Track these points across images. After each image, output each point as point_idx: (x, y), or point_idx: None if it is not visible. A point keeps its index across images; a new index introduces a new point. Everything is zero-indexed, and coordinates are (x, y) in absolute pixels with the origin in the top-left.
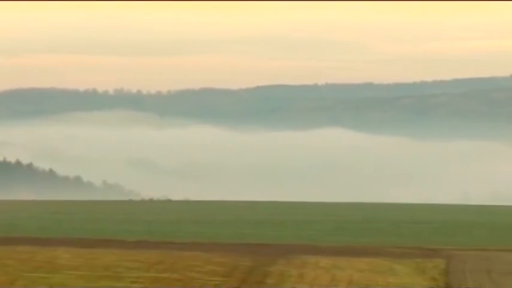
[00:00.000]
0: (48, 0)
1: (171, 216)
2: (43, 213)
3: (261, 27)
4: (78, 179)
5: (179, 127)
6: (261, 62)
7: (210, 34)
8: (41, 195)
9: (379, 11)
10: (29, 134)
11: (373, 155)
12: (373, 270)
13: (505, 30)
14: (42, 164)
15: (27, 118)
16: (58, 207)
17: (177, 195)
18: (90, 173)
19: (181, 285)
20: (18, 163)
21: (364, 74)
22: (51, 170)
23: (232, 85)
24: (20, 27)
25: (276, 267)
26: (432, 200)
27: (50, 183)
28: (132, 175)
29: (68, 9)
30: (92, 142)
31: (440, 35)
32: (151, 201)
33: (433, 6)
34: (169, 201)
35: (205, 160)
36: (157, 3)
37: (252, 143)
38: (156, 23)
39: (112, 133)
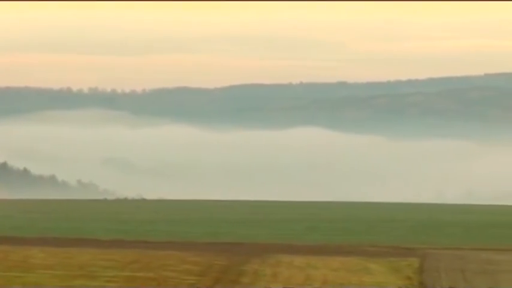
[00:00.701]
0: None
1: (145, 215)
2: (18, 212)
3: (236, 27)
4: (52, 178)
5: (154, 126)
6: (235, 61)
7: (185, 33)
8: (16, 195)
9: (353, 11)
10: (3, 133)
11: (347, 154)
12: (347, 269)
13: (479, 30)
14: (17, 163)
15: (1, 117)
16: (33, 207)
17: (151, 195)
18: (64, 172)
19: (156, 285)
20: None
21: (338, 73)
22: (25, 169)
23: (207, 84)
24: None
25: (251, 266)
26: (407, 199)
27: (24, 182)
28: (106, 174)
29: (42, 8)
30: (67, 141)
31: (414, 35)
32: (126, 200)
33: (407, 5)
34: (144, 200)
35: (179, 159)
36: (132, 2)
37: (226, 142)
38: (131, 22)
39: (86, 132)
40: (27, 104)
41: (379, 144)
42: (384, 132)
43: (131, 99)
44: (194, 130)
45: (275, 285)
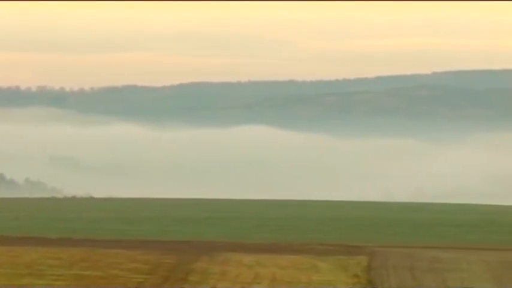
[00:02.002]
0: None
1: (94, 213)
2: None
3: (184, 25)
4: (0, 176)
5: (102, 124)
6: (184, 59)
7: (132, 31)
8: None
9: (301, 9)
10: None
11: (296, 152)
12: (296, 268)
13: (427, 28)
14: None
15: None
16: None
17: (100, 193)
18: (12, 170)
19: (104, 283)
20: None
21: (287, 72)
22: None
23: (155, 82)
24: None
25: (199, 265)
26: (355, 198)
27: None
28: (55, 172)
29: None
30: (15, 139)
31: (363, 33)
32: (74, 198)
33: (355, 4)
34: (92, 198)
35: (128, 157)
36: (80, 2)
37: (175, 140)
38: (80, 20)
39: (35, 130)
40: None
41: (328, 142)
42: (332, 131)
43: (79, 97)
44: (143, 128)
45: (223, 284)
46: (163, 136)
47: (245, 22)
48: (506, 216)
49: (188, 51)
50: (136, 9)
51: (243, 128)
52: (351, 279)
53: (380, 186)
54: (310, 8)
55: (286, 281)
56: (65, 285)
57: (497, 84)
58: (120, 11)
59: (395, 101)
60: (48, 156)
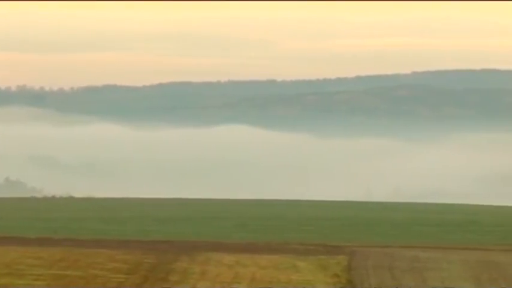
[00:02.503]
0: None
1: (73, 213)
2: None
3: (164, 25)
4: None
5: (82, 124)
6: (163, 59)
7: (112, 31)
8: None
9: (281, 8)
10: None
11: (276, 151)
12: (276, 267)
13: (407, 28)
14: None
15: None
16: None
17: (80, 193)
18: None
19: (84, 283)
20: None
21: (267, 71)
22: None
23: (135, 82)
24: None
25: (179, 265)
26: (335, 197)
27: None
28: (34, 172)
29: None
30: None
31: (342, 33)
32: (54, 198)
33: (335, 3)
34: (72, 198)
35: (108, 157)
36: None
37: (155, 140)
38: (60, 20)
39: (14, 130)
40: None
41: (308, 142)
42: (312, 130)
43: (59, 97)
44: (123, 128)
45: (203, 283)
46: (143, 136)
47: (225, 22)
48: (486, 216)
49: (168, 50)
50: (117, 9)
51: (224, 128)
52: (331, 278)
53: (360, 185)
54: (291, 8)
55: (266, 280)
56: (45, 285)
57: (477, 84)
58: (100, 10)
59: (375, 101)
60: (27, 155)
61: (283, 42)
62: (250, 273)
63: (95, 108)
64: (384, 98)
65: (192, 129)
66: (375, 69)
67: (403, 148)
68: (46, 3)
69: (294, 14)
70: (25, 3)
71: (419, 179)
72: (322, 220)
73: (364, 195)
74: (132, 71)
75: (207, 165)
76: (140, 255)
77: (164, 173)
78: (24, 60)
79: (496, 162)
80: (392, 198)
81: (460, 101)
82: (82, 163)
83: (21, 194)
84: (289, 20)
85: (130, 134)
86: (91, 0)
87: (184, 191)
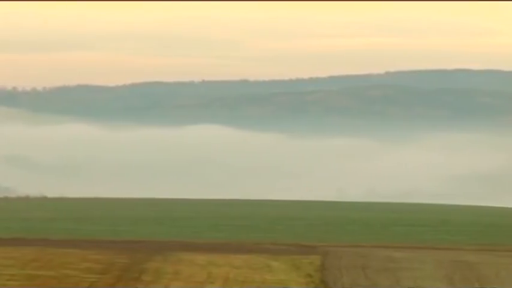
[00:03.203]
0: None
1: (47, 213)
2: None
3: (137, 25)
4: None
5: (55, 124)
6: (136, 58)
7: (86, 31)
8: None
9: (253, 8)
10: None
11: (249, 151)
12: (249, 267)
13: (379, 28)
14: None
15: None
16: None
17: (53, 193)
18: None
19: (57, 283)
20: None
21: (240, 71)
22: None
23: (108, 82)
24: None
25: (152, 264)
26: (308, 197)
27: None
28: (7, 172)
29: None
30: None
31: (315, 32)
32: (27, 198)
33: (308, 3)
34: (46, 198)
35: (81, 157)
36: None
37: (128, 140)
38: (32, 20)
39: None
40: None
41: (281, 141)
42: (285, 130)
43: (32, 97)
44: (96, 128)
45: (177, 283)
46: (116, 135)
47: (198, 22)
48: (459, 216)
49: (141, 50)
50: (90, 8)
51: (196, 128)
52: (304, 278)
53: (332, 185)
54: (263, 8)
55: (239, 280)
56: (18, 285)
57: (450, 84)
58: (73, 10)
59: (348, 101)
60: (0, 155)
61: (257, 42)
62: (223, 273)
63: (67, 108)
64: (357, 98)
65: (165, 129)
66: (348, 69)
67: (376, 148)
68: (19, 3)
69: (266, 13)
70: None
71: (392, 178)
72: (295, 220)
73: (337, 195)
74: (105, 71)
75: (179, 165)
76: (113, 255)
77: (137, 172)
78: None
79: (469, 162)
80: (365, 198)
81: (432, 101)
82: (55, 163)
83: None
84: (262, 20)
85: (103, 134)
86: (64, 0)
87: (157, 191)
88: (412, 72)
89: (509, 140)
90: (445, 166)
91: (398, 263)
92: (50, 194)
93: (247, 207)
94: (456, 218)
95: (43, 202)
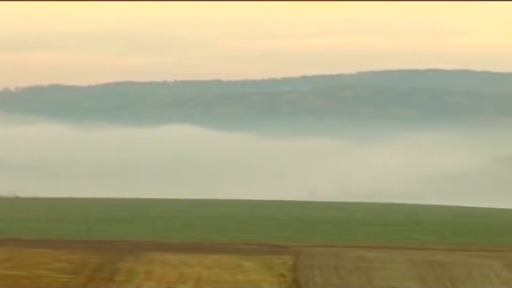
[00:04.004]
0: None
1: (19, 213)
2: None
3: (109, 24)
4: None
5: (27, 124)
6: (109, 58)
7: (58, 31)
8: None
9: (227, 8)
10: None
11: (221, 151)
12: (221, 267)
13: (352, 28)
14: None
15: None
16: None
17: (25, 193)
18: None
19: (29, 283)
20: None
21: (212, 71)
22: None
23: (80, 82)
24: None
25: (124, 264)
26: (280, 197)
27: None
28: None
29: None
30: None
31: (288, 32)
32: None
33: (280, 3)
34: (18, 198)
35: (53, 157)
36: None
37: (100, 139)
38: (3, 19)
39: None
40: None
41: (253, 141)
42: (258, 130)
43: (4, 97)
44: (68, 128)
45: (149, 283)
46: (88, 135)
47: (171, 22)
48: (431, 216)
49: (113, 50)
50: (62, 8)
51: (169, 128)
52: (276, 278)
53: (305, 185)
54: (236, 8)
55: (211, 280)
56: None
57: (422, 84)
58: (45, 9)
59: (320, 101)
60: None
61: (230, 42)
62: (195, 273)
63: (40, 108)
64: (329, 98)
65: (138, 129)
66: (321, 69)
67: (348, 148)
68: None
69: (240, 13)
70: None
71: (364, 178)
72: (268, 220)
73: (309, 194)
74: (78, 71)
75: (152, 165)
76: (85, 255)
77: (109, 173)
78: None
79: (441, 162)
80: (338, 197)
81: (405, 101)
82: (27, 163)
83: None
84: (235, 20)
85: (76, 134)
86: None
87: (129, 191)
88: (384, 72)
89: (481, 140)
90: (417, 166)
91: (370, 263)
92: (22, 194)
93: (220, 207)
94: (428, 218)
95: (15, 202)
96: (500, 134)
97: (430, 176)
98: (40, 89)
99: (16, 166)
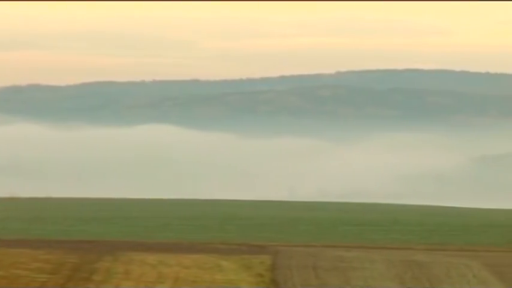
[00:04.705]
0: None
1: None
2: None
3: (88, 24)
4: None
5: (5, 124)
6: (87, 58)
7: (35, 30)
8: None
9: (204, 8)
10: None
11: (200, 151)
12: (199, 267)
13: (330, 28)
14: None
15: None
16: None
17: (3, 192)
18: None
19: (7, 283)
20: None
21: (191, 71)
22: None
23: (58, 81)
24: None
25: (103, 264)
26: (259, 197)
27: None
28: None
29: None
30: None
31: (266, 32)
32: None
33: (258, 3)
34: None
35: (32, 157)
36: None
37: (79, 139)
38: None
39: None
40: None
41: (232, 141)
42: (236, 130)
43: None
44: (46, 128)
45: (127, 283)
46: (67, 135)
47: (148, 21)
48: (409, 216)
49: (92, 50)
50: (40, 7)
51: (147, 127)
52: (255, 278)
53: (283, 185)
54: (214, 8)
55: (189, 280)
56: None
57: (400, 84)
58: (23, 8)
59: (299, 101)
60: None
61: (208, 42)
62: (173, 273)
63: (18, 107)
64: (308, 98)
65: (116, 129)
66: (299, 68)
67: (327, 148)
68: None
69: (217, 13)
70: None
71: (342, 178)
72: (246, 219)
73: (287, 194)
74: (56, 71)
75: (130, 165)
76: (63, 255)
77: (88, 172)
78: None
79: (419, 162)
80: (316, 197)
81: (383, 101)
82: (6, 162)
83: None
84: (213, 20)
85: (54, 134)
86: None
87: (108, 191)
88: (362, 72)
89: (459, 140)
90: (396, 166)
91: (348, 263)
92: (1, 193)
93: (198, 207)
94: (407, 218)
95: None
96: (478, 134)
97: (408, 175)
98: (18, 88)
99: None
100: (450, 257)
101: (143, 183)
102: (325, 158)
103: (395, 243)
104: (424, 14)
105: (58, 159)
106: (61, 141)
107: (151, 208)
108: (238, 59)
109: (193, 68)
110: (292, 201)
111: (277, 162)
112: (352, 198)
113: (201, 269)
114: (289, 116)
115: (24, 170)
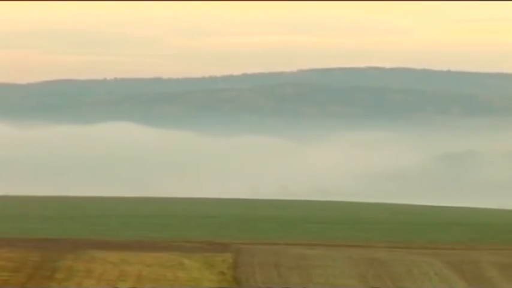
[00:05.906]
0: None
1: None
2: None
3: (49, 21)
4: None
5: None
6: (48, 56)
7: None
8: None
9: (167, 6)
10: None
11: (162, 149)
12: (161, 265)
13: (292, 26)
14: None
15: None
16: None
17: None
18: None
19: None
20: None
21: (153, 69)
22: None
23: (19, 79)
24: None
25: (64, 263)
26: (221, 195)
27: None
28: None
29: None
30: None
31: (228, 30)
32: None
33: (220, 2)
34: None
35: None
36: None
37: (39, 137)
38: None
39: None
40: None
41: (194, 140)
42: (198, 128)
43: None
44: (6, 126)
45: (89, 281)
46: (28, 134)
47: (109, 19)
48: (371, 214)
49: (53, 48)
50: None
51: (109, 125)
52: (217, 276)
53: (246, 183)
54: (176, 6)
55: (151, 278)
56: None
57: (362, 82)
58: None
59: (261, 99)
60: None
61: (170, 40)
62: (135, 271)
63: None
64: (270, 96)
65: (77, 127)
66: (261, 66)
67: (289, 146)
68: None
69: (180, 11)
70: None
71: (304, 176)
72: (208, 218)
73: (250, 193)
74: (17, 68)
75: (91, 163)
76: (25, 253)
77: (49, 171)
78: None
79: (381, 160)
80: (278, 196)
81: (345, 99)
82: None
83: None
84: (175, 18)
85: (14, 132)
86: None
87: (69, 189)
88: (324, 70)
89: (420, 138)
90: (358, 164)
91: (311, 261)
92: None
93: (160, 205)
94: (368, 216)
95: None
96: (439, 132)
97: (370, 174)
98: None
99: None
100: (412, 255)
101: (104, 181)
102: (287, 157)
103: (357, 241)
104: (386, 13)
105: (18, 157)
106: (22, 140)
107: (112, 206)
108: (200, 57)
109: (155, 66)
110: (255, 199)
111: (239, 160)
112: (314, 196)
113: (164, 267)
114: (252, 114)
115: None
